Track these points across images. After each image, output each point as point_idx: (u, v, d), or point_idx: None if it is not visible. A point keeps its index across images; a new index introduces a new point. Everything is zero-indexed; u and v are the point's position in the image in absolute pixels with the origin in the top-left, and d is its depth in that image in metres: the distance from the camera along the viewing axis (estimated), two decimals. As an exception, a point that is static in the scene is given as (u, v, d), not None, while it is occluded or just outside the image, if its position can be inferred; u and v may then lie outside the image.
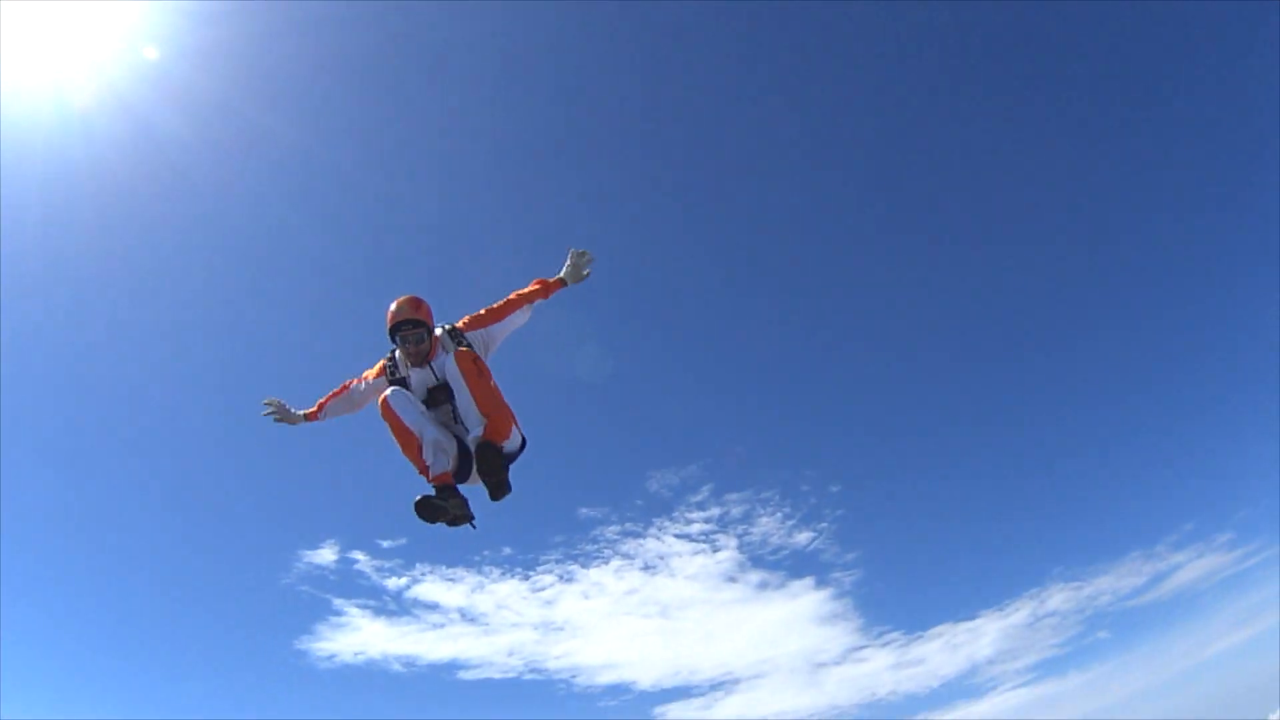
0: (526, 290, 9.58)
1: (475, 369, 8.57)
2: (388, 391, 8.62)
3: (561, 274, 9.69)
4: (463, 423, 8.83)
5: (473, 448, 8.60)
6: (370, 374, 9.37)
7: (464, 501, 8.76)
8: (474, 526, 9.03)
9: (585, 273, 9.78)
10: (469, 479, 8.86)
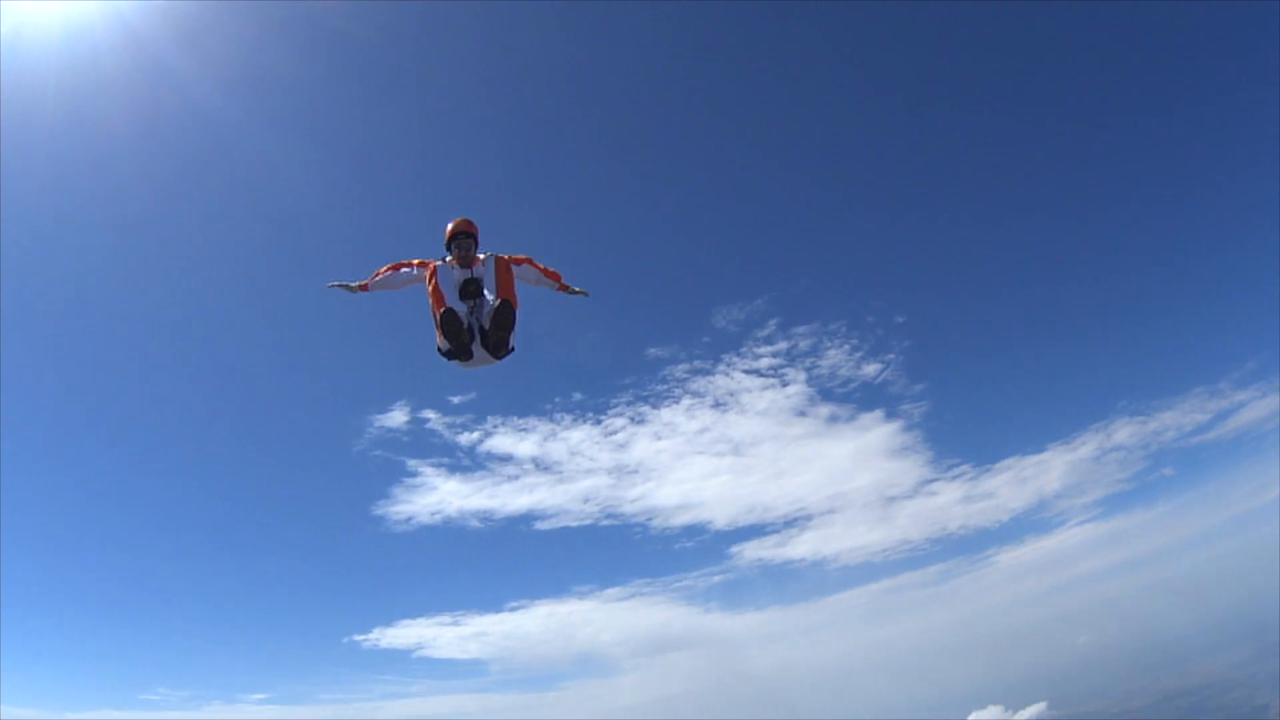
0: (551, 270, 14.58)
1: (506, 268, 13.74)
2: (436, 263, 13.42)
3: (576, 287, 14.82)
4: (481, 316, 13.57)
5: (494, 304, 13.45)
6: (419, 261, 13.81)
7: (466, 335, 13.35)
8: (472, 354, 13.46)
9: (577, 290, 14.83)
10: (475, 350, 13.59)
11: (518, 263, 14.19)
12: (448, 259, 13.86)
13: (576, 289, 14.77)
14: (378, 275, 13.90)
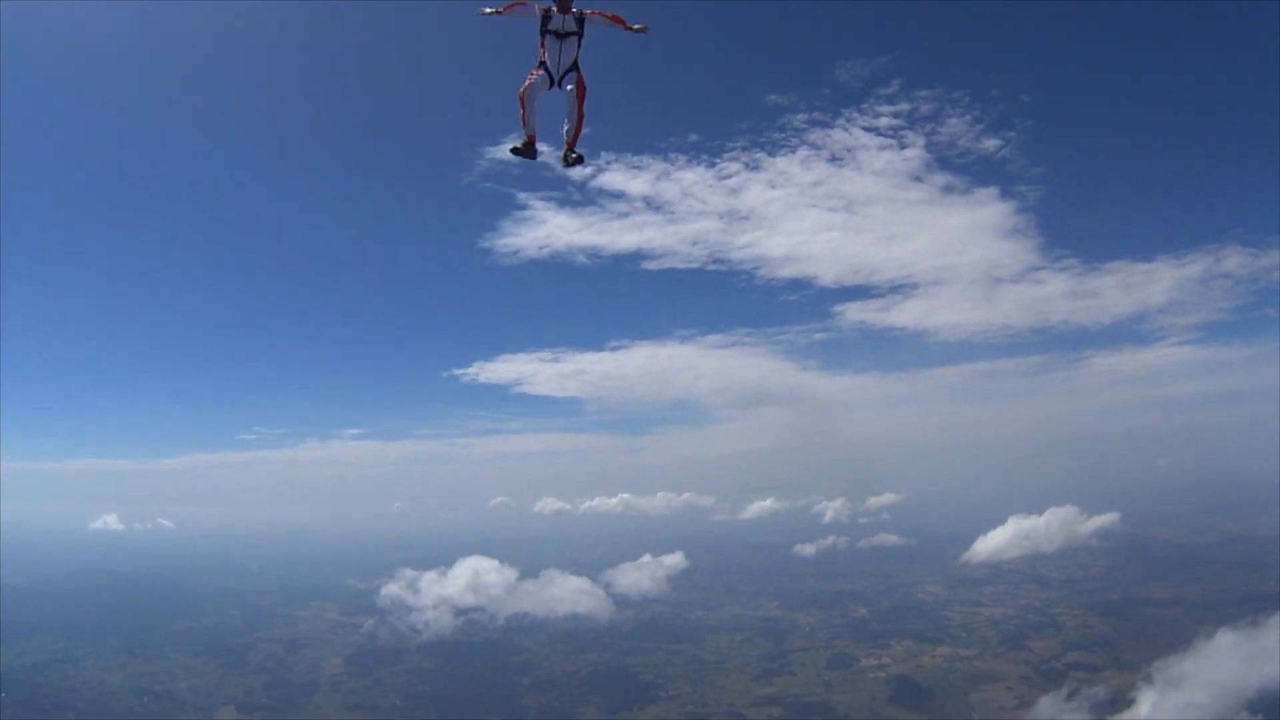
0: (612, 15, 18.09)
1: (581, 99, 18.06)
2: (528, 84, 17.80)
3: (636, 25, 18.22)
4: (563, 64, 17.99)
5: (565, 140, 18.40)
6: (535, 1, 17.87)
7: (535, 152, 18.50)
8: (536, 159, 18.68)
9: (638, 27, 18.26)
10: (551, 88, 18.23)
11: (594, 15, 18.05)
12: (553, 6, 18.00)
13: (637, 26, 18.20)
14: (513, 4, 17.89)
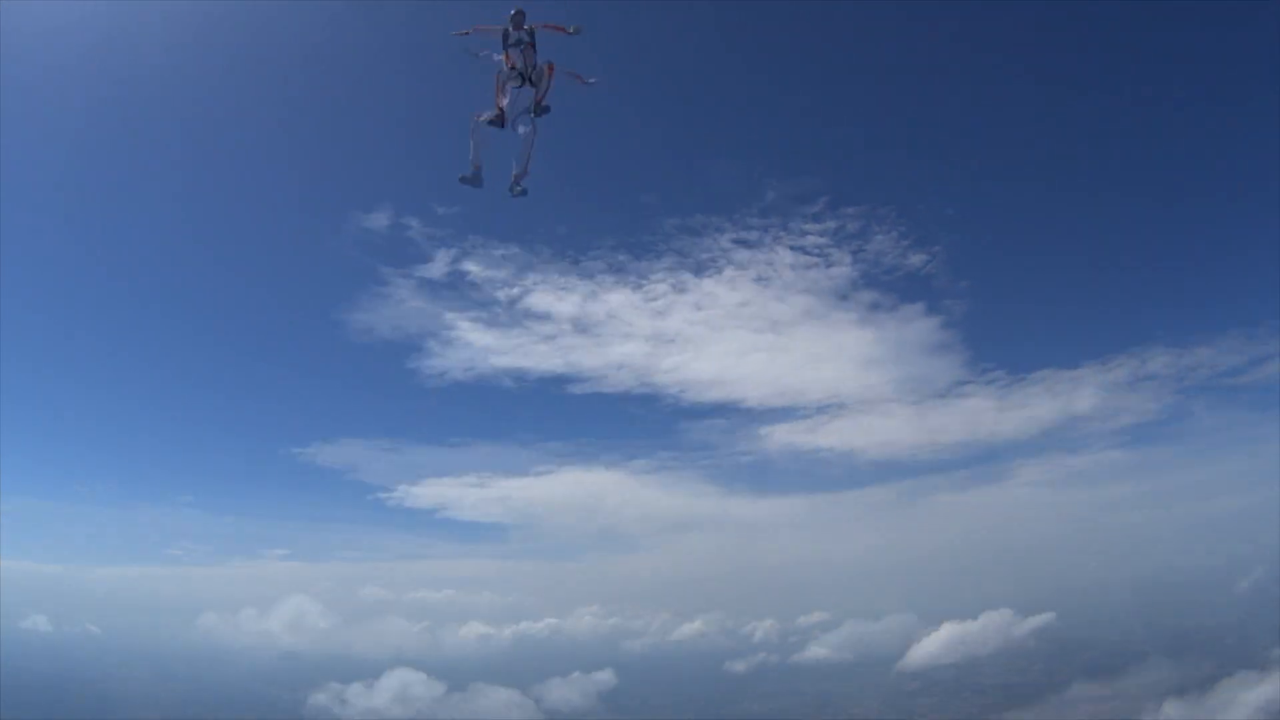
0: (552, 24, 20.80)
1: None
2: (482, 117, 20.21)
3: (571, 27, 20.06)
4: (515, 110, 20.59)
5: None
6: (496, 27, 20.32)
7: (481, 180, 20.61)
8: (481, 186, 20.58)
9: (572, 29, 19.93)
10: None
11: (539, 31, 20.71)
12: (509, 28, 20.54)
13: (571, 28, 20.04)
14: (479, 27, 20.16)
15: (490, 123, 19.80)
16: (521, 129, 20.00)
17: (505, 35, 20.31)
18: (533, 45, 20.40)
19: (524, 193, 20.50)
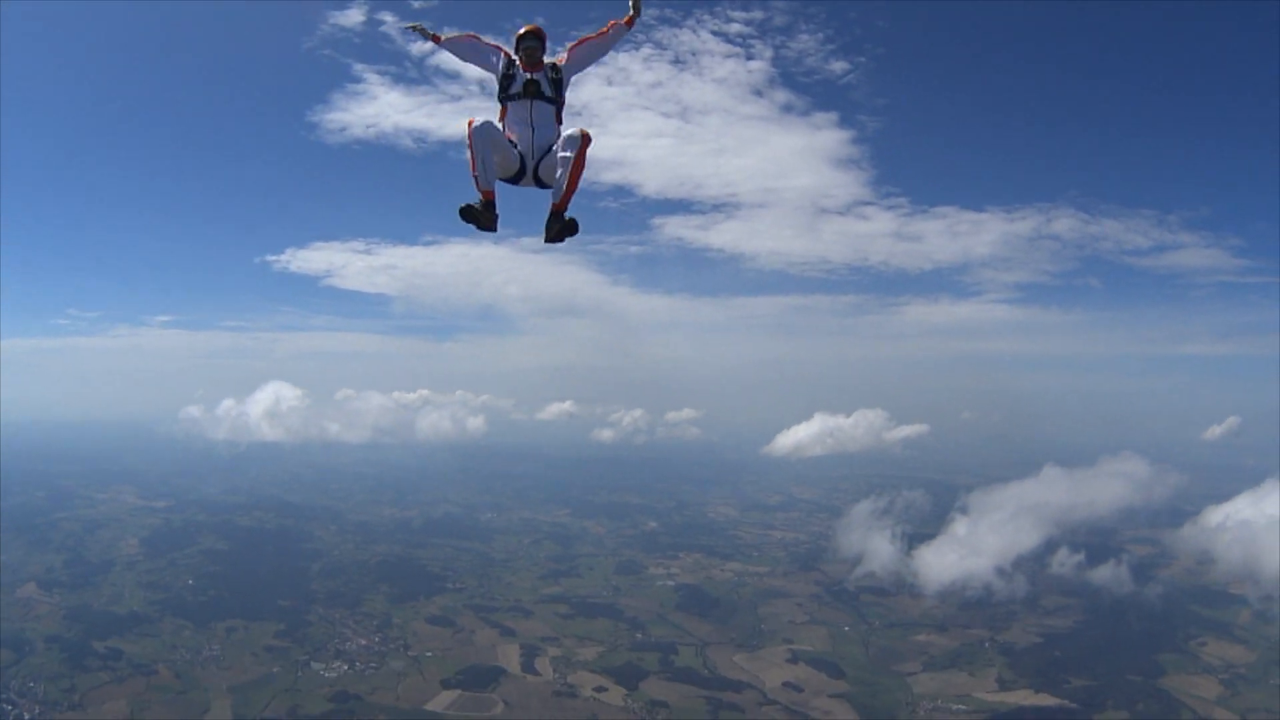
0: (596, 33, 13.95)
1: (587, 142, 12.59)
2: (477, 121, 12.71)
3: (631, 7, 13.75)
4: (536, 143, 13.25)
5: (549, 208, 13.00)
6: (496, 43, 13.69)
7: (494, 217, 13.10)
8: (495, 231, 13.21)
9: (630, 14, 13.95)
10: (520, 183, 13.35)
11: (572, 51, 13.71)
12: (517, 61, 13.61)
13: (629, 15, 14.00)
14: (455, 36, 13.83)
15: (484, 210, 12.86)
16: (560, 153, 12.83)
17: (509, 78, 13.46)
18: (558, 103, 13.63)
19: (571, 229, 13.42)
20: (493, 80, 13.84)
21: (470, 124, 12.71)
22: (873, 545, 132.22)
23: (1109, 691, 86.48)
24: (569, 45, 13.74)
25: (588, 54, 13.89)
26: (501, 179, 13.18)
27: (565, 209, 13.16)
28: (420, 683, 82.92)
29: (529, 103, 13.36)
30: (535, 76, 13.39)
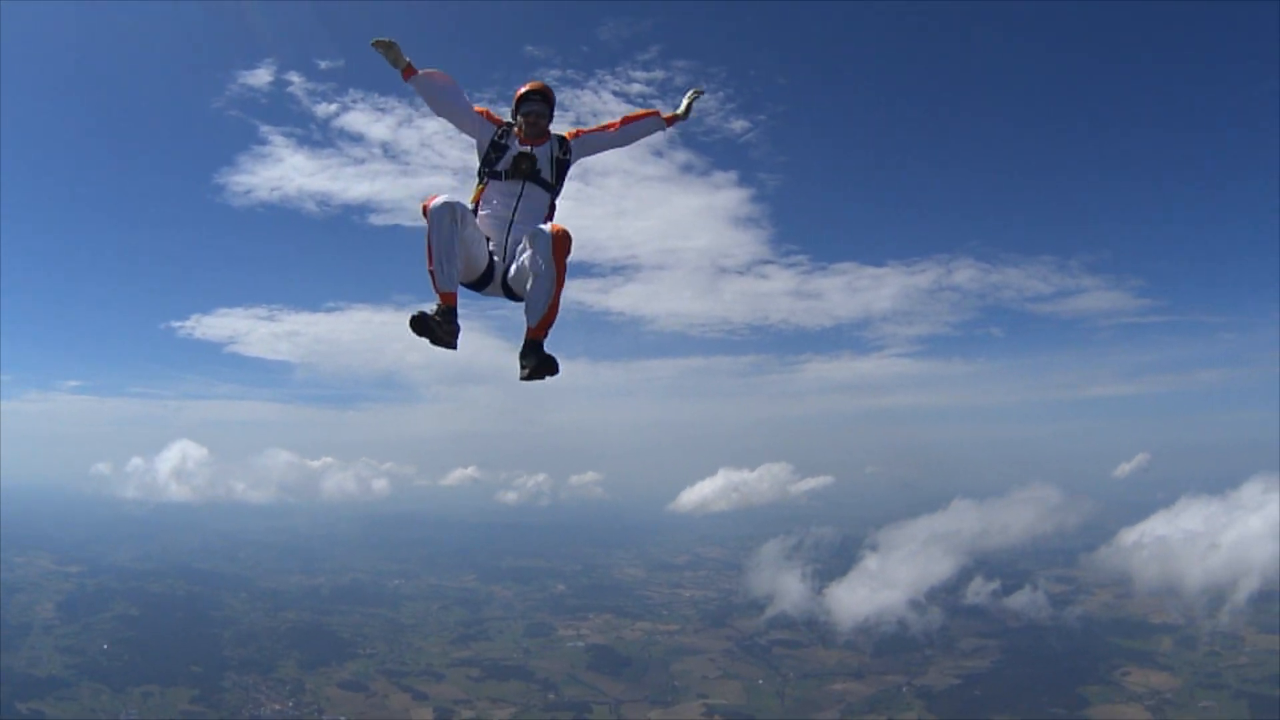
0: (624, 118, 11.17)
1: (564, 247, 9.54)
2: (437, 201, 9.32)
3: (680, 110, 11.50)
4: (515, 239, 10.18)
5: (524, 337, 9.95)
6: (486, 110, 10.65)
7: (454, 330, 9.65)
8: (455, 348, 9.74)
9: (687, 101, 11.52)
10: (486, 290, 10.40)
11: (588, 133, 11.05)
12: (513, 128, 10.59)
13: (685, 103, 11.60)
14: (435, 73, 10.54)
15: (441, 320, 9.68)
16: (529, 259, 9.91)
17: (499, 148, 10.61)
18: (554, 188, 10.84)
19: (550, 368, 10.14)
20: (473, 148, 10.77)
21: (427, 205, 9.50)
22: (783, 585, 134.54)
23: None
24: (583, 128, 10.98)
25: (608, 140, 11.16)
26: (461, 283, 10.02)
27: (544, 337, 10.05)
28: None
29: (520, 185, 10.43)
30: (534, 151, 10.53)
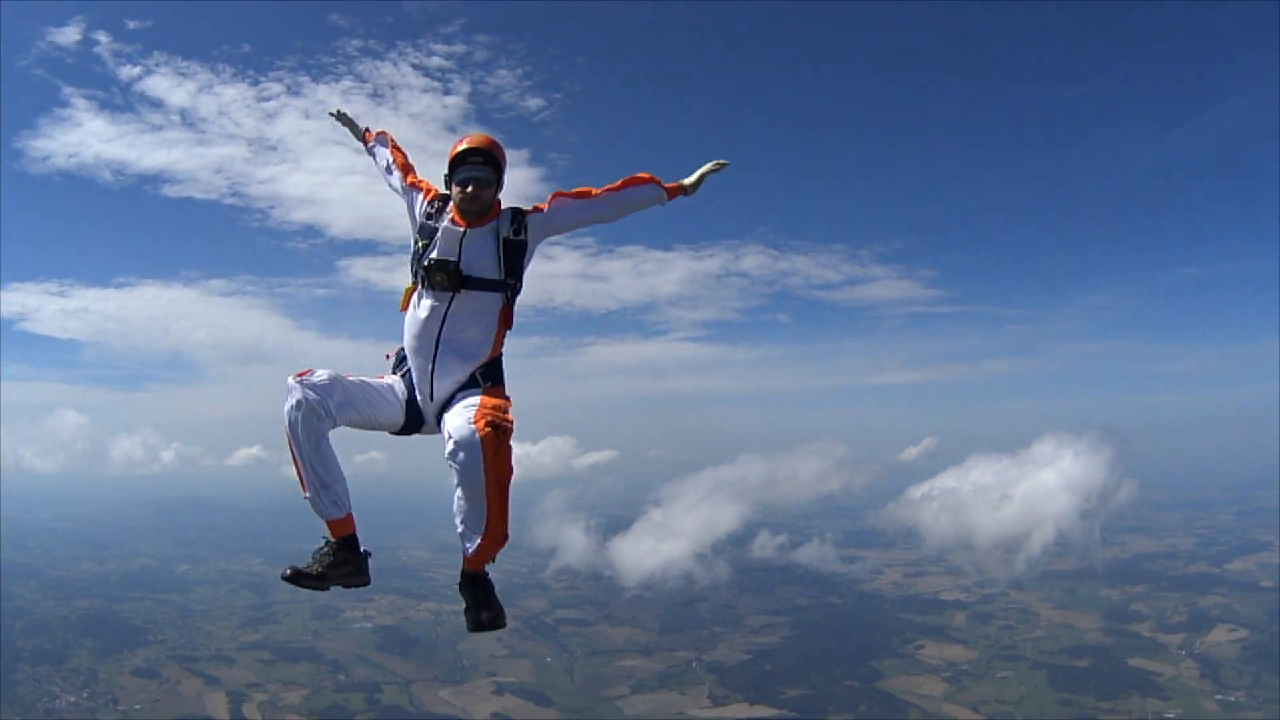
0: (621, 182, 7.84)
1: (500, 458, 6.36)
2: (288, 397, 6.70)
3: (688, 181, 8.09)
4: (442, 369, 7.13)
5: (460, 571, 7.28)
6: (421, 181, 7.95)
7: (356, 567, 7.51)
8: (367, 583, 7.56)
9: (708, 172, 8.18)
10: (422, 430, 7.53)
11: (564, 200, 7.65)
12: (449, 202, 7.37)
13: (698, 176, 8.13)
14: (387, 137, 8.61)
15: (330, 562, 7.59)
16: (456, 474, 6.51)
17: (428, 231, 7.37)
18: (509, 287, 7.25)
19: (494, 619, 7.32)
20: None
21: (289, 396, 6.72)
22: (566, 538, 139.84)
23: (828, 699, 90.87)
24: (563, 192, 7.64)
25: (591, 212, 7.76)
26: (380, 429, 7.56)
27: (482, 566, 7.24)
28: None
29: (447, 297, 7.06)
30: (467, 235, 7.15)
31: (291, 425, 6.73)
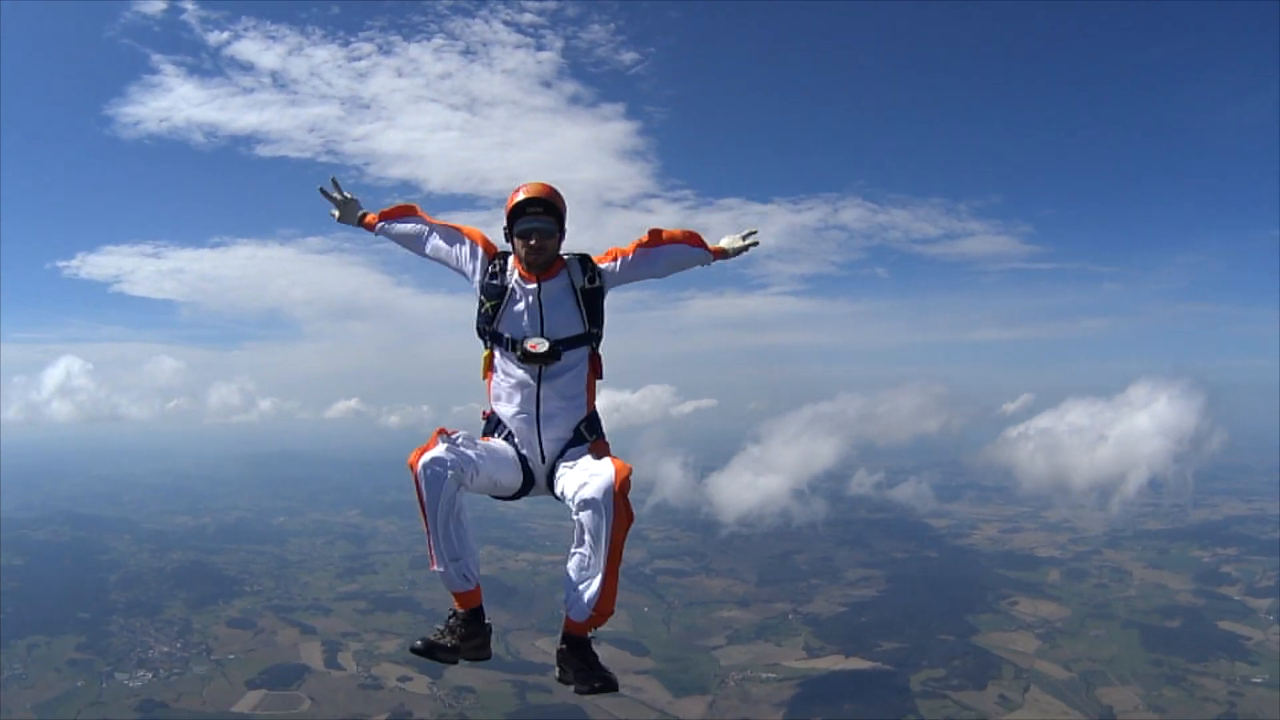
0: (674, 237, 7.65)
1: (623, 521, 6.34)
2: (426, 457, 6.40)
3: (730, 246, 8.01)
4: (549, 434, 7.12)
5: (559, 639, 7.24)
6: (474, 231, 7.55)
7: (484, 640, 7.33)
8: (488, 657, 7.31)
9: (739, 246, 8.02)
10: (531, 493, 7.61)
11: (624, 255, 7.39)
12: (510, 258, 7.19)
13: (740, 242, 8.06)
14: (388, 214, 8.15)
15: (460, 635, 7.23)
16: (564, 488, 6.85)
17: (495, 291, 7.11)
18: (591, 342, 7.17)
19: (602, 684, 7.09)
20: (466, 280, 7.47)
21: (414, 462, 6.46)
22: (664, 473, 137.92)
23: (922, 653, 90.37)
24: (617, 250, 7.35)
25: (648, 271, 7.58)
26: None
27: (589, 631, 7.19)
28: (225, 685, 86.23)
29: (535, 368, 6.97)
30: (544, 290, 6.98)
31: (428, 483, 6.45)
